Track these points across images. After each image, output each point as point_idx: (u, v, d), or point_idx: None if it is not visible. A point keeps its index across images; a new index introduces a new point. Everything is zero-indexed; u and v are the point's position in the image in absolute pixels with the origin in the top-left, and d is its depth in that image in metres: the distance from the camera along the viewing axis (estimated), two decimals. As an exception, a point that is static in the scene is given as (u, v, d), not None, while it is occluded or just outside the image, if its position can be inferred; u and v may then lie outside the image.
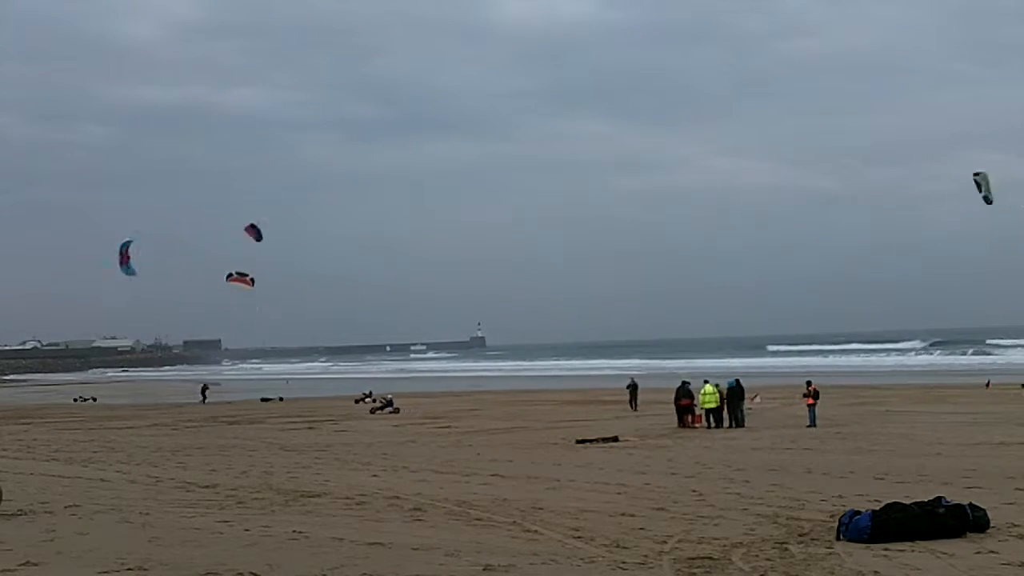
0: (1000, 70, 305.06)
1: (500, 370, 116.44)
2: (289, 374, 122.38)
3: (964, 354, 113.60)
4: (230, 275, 42.04)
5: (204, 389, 66.22)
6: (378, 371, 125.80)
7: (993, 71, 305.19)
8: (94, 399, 69.33)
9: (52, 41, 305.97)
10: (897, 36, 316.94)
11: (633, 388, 44.44)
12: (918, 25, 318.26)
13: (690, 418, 34.57)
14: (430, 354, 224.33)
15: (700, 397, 34.53)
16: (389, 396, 50.77)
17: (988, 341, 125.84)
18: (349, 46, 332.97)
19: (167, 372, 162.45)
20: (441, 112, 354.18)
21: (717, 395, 34.23)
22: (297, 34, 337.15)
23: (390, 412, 46.16)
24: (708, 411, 34.11)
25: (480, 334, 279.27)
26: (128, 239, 40.46)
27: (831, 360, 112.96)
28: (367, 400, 53.82)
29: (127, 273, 40.26)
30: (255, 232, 41.18)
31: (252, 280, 41.79)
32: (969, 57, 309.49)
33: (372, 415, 45.45)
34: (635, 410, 42.56)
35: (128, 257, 40.00)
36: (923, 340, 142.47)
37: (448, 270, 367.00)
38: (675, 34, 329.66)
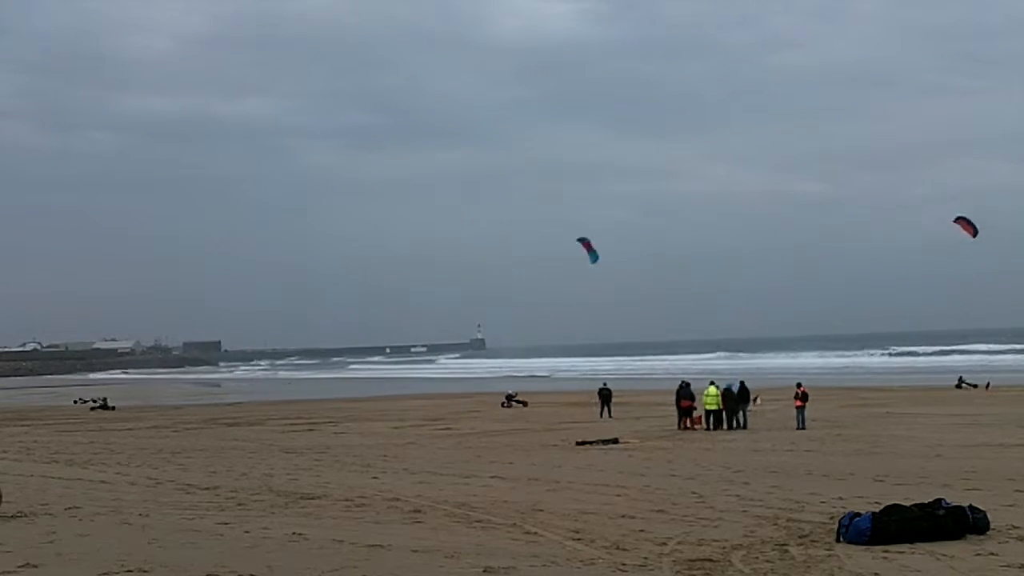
0: (981, 81, 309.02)
1: (500, 371, 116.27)
2: (288, 376, 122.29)
3: (954, 354, 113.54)
4: None
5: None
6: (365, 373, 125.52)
7: (975, 82, 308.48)
8: (104, 400, 60.66)
9: (64, 53, 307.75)
10: (881, 49, 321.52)
11: (606, 394, 41.25)
12: (900, 38, 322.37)
13: (688, 420, 34.50)
14: (396, 358, 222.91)
15: (703, 399, 34.43)
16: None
17: (981, 344, 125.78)
18: (352, 58, 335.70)
19: (167, 373, 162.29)
20: (441, 120, 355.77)
21: (719, 397, 34.15)
22: (301, 46, 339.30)
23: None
24: (708, 412, 34.02)
25: (480, 336, 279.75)
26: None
27: (829, 361, 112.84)
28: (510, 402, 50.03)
29: (593, 260, 44.15)
30: None
31: None
32: (951, 69, 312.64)
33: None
34: (605, 417, 39.52)
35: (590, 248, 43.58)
36: (923, 341, 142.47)
37: (448, 273, 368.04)
38: (669, 48, 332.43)
